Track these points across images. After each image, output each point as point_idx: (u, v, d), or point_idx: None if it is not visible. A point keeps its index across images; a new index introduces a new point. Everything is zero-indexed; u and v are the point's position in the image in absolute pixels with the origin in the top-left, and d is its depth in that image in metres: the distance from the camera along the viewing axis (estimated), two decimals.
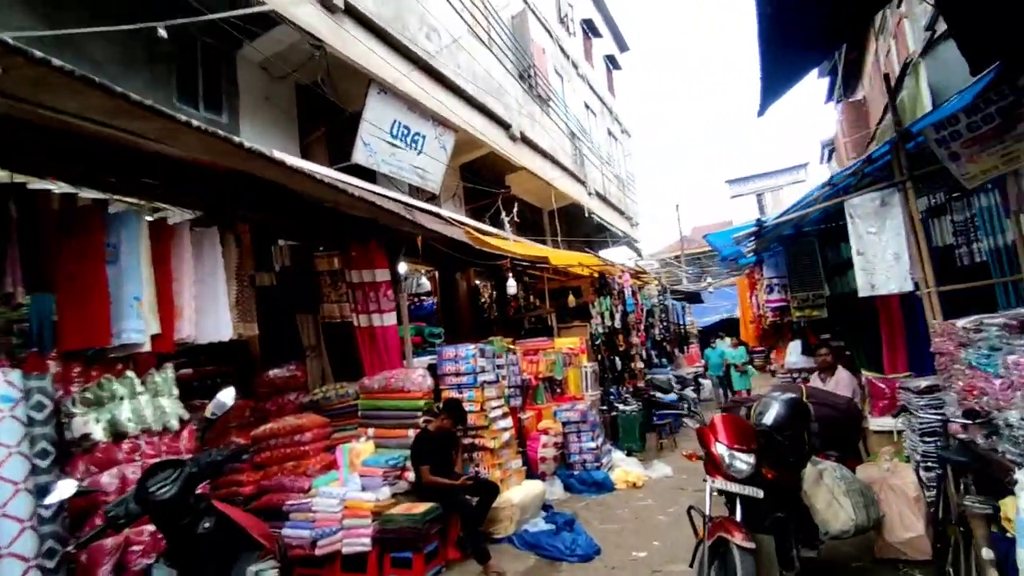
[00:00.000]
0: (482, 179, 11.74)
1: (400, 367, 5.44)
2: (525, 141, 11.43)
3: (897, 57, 9.02)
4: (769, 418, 3.38)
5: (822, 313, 6.33)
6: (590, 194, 14.93)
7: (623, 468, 7.30)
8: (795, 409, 3.41)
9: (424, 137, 8.18)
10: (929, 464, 3.83)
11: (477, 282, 10.90)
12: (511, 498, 5.17)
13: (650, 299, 11.66)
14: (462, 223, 8.17)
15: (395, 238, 6.39)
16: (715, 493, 3.17)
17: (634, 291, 10.19)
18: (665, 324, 12.19)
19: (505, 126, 10.60)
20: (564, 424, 7.12)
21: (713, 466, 3.18)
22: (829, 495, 3.51)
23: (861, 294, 4.49)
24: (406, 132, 7.83)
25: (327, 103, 7.12)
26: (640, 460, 8.35)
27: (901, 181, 3.92)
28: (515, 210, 12.14)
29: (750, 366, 11.99)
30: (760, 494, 3.05)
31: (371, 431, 5.17)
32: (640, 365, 9.76)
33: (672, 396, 10.74)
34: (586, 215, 14.11)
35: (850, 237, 4.40)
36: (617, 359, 9.76)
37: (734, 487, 3.06)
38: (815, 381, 5.98)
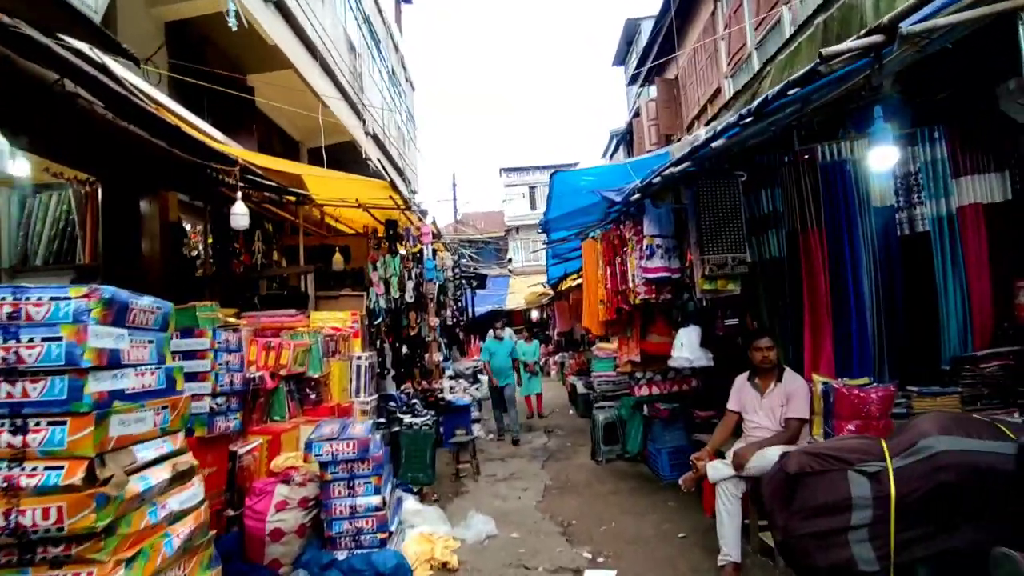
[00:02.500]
0: (211, 66, 7.52)
1: None
2: (283, 14, 7.59)
3: (754, 7, 7.88)
4: None
5: (736, 288, 4.30)
6: (368, 135, 11.49)
7: (422, 532, 4.28)
8: None
9: None
10: None
11: (182, 219, 6.70)
12: None
13: (443, 272, 8.86)
14: (148, 97, 4.24)
15: None
16: None
17: (435, 252, 7.27)
18: (459, 306, 9.54)
19: None
20: (325, 466, 3.79)
21: None
22: None
23: None
24: None
25: None
26: (435, 502, 5.46)
27: None
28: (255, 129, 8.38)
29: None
30: None
31: None
32: (437, 357, 6.86)
33: (465, 399, 8.11)
34: (363, 158, 10.62)
35: None
36: (404, 347, 6.72)
37: None
38: (745, 391, 3.86)
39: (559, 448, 7.83)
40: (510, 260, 17.88)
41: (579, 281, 14.45)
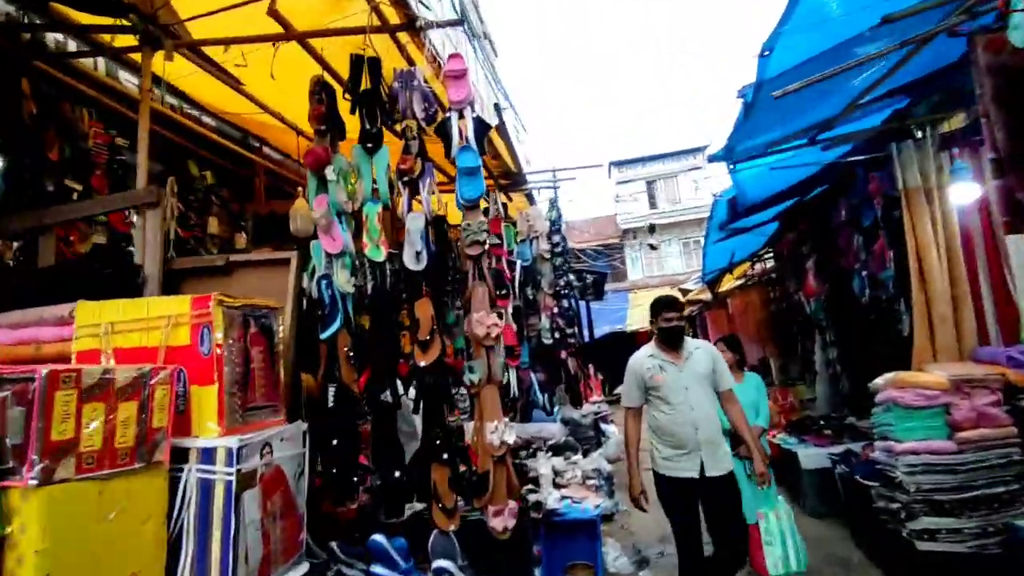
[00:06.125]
0: None
1: None
2: None
3: None
4: None
5: None
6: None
7: None
8: None
9: None
10: None
11: None
12: None
13: (531, 240, 4.59)
14: None
15: None
16: None
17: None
18: (565, 312, 5.24)
19: None
20: None
21: None
22: None
23: None
24: None
25: None
26: None
27: None
28: None
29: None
30: None
31: None
32: (504, 436, 2.42)
33: (589, 507, 3.70)
34: None
35: None
36: (414, 402, 2.50)
37: None
38: None
39: None
40: (653, 247, 13.11)
41: (741, 280, 9.47)
